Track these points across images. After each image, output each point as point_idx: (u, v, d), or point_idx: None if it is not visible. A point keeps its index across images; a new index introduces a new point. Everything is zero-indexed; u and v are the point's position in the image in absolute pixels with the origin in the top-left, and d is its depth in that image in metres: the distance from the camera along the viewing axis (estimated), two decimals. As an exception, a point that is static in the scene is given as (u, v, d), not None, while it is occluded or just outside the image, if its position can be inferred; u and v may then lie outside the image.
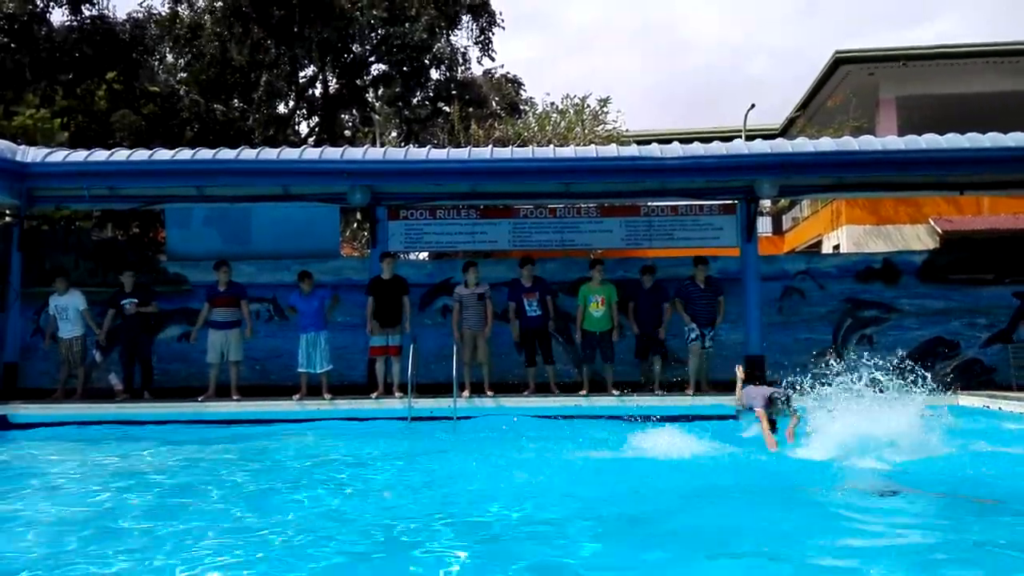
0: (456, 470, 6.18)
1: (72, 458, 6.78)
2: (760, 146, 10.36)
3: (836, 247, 18.08)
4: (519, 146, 14.28)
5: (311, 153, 10.38)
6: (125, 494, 5.25)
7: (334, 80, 21.74)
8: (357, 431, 8.34)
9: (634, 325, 9.90)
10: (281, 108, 21.33)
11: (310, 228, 11.29)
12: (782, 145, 10.52)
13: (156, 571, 3.60)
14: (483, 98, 21.46)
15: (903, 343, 10.06)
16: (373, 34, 20.55)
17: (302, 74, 21.24)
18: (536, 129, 19.52)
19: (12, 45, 17.39)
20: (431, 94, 21.67)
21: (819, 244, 19.68)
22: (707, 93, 64.23)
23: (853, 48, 18.69)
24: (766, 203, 19.42)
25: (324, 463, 6.58)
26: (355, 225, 20.69)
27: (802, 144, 10.41)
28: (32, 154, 10.24)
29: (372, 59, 21.36)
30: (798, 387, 6.41)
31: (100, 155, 10.26)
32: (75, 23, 18.29)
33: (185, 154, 10.25)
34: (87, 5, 18.44)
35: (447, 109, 20.42)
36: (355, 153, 10.49)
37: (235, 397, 9.43)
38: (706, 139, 11.83)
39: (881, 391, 5.97)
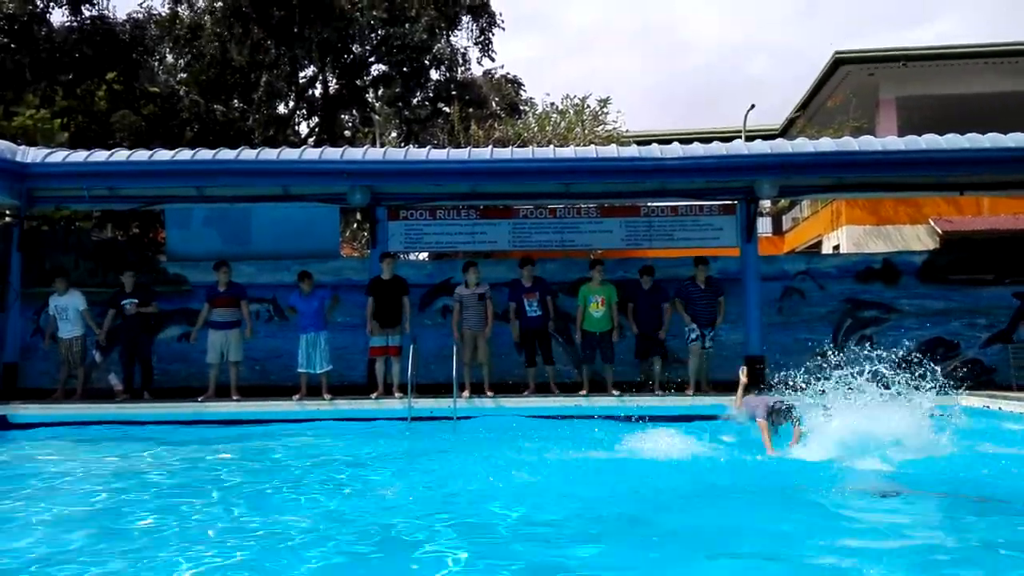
0: (456, 470, 6.18)
1: (72, 458, 6.78)
2: (760, 146, 10.37)
3: (836, 247, 18.08)
4: (519, 146, 14.29)
5: (311, 153, 10.38)
6: (125, 494, 5.25)
7: (334, 80, 21.75)
8: (357, 431, 8.33)
9: (633, 325, 9.90)
10: (281, 108, 21.35)
11: (310, 228, 11.29)
12: (782, 145, 10.52)
13: (156, 571, 3.60)
14: (483, 99, 21.47)
15: (902, 343, 10.06)
16: (373, 34, 20.56)
17: (302, 74, 21.25)
18: (536, 129, 19.53)
19: (12, 45, 17.40)
20: (431, 94, 21.68)
21: (819, 244, 19.68)
22: (707, 94, 64.26)
23: (853, 48, 18.70)
24: (766, 203, 19.42)
25: (324, 463, 6.58)
26: (355, 225, 20.69)
27: (802, 144, 10.41)
28: (32, 154, 10.24)
29: (372, 59, 21.37)
30: (798, 387, 6.40)
31: (100, 155, 10.26)
32: (75, 23, 18.30)
33: (185, 154, 10.25)
34: (87, 5, 18.46)
35: (447, 109, 20.43)
36: (355, 153, 10.49)
37: (235, 397, 9.43)
38: (706, 139, 11.83)
39: (885, 388, 5.96)
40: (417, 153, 10.43)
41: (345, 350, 10.43)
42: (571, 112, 19.84)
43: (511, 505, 4.78)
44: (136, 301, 9.75)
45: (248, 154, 10.23)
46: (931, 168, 10.17)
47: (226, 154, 10.21)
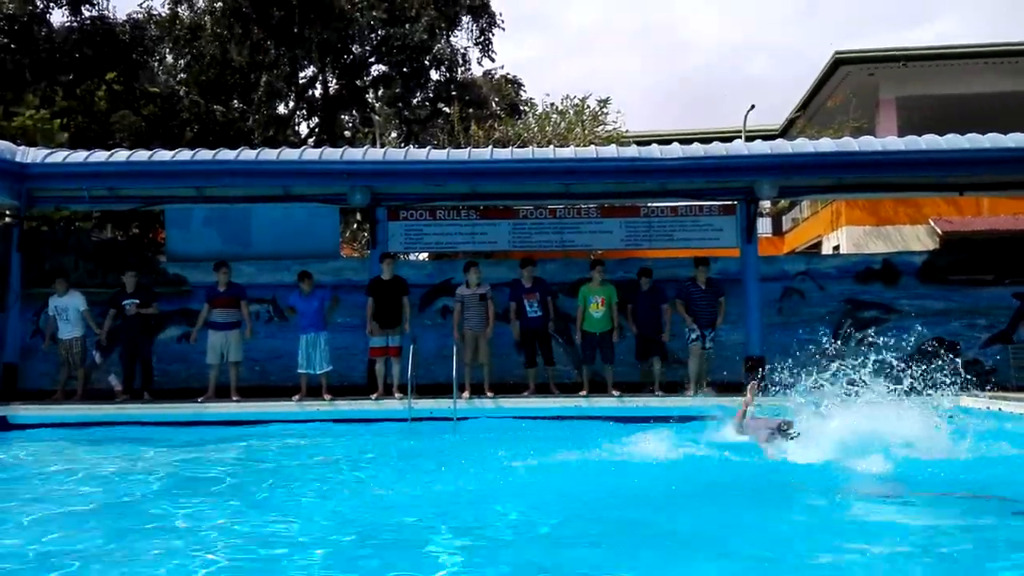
0: (456, 471, 6.18)
1: (72, 459, 6.78)
2: (760, 147, 10.38)
3: (836, 248, 18.08)
4: (519, 147, 14.29)
5: (311, 154, 10.39)
6: (124, 495, 5.25)
7: (334, 81, 21.76)
8: (357, 432, 8.33)
9: (633, 326, 9.90)
10: (281, 109, 21.35)
11: (310, 229, 11.29)
12: (782, 146, 10.53)
13: (155, 571, 3.60)
14: (483, 99, 21.47)
15: (902, 343, 10.05)
16: (373, 35, 20.56)
17: (302, 75, 21.25)
18: (536, 130, 19.52)
19: (12, 46, 17.40)
20: (431, 95, 21.68)
21: (819, 245, 19.68)
22: (707, 94, 64.28)
23: (853, 48, 18.71)
24: (766, 204, 19.42)
25: (324, 464, 6.58)
26: (355, 226, 20.69)
27: (802, 145, 10.41)
28: (32, 155, 10.24)
29: (372, 60, 21.38)
30: (798, 388, 6.39)
31: (100, 156, 10.27)
32: (75, 24, 18.30)
33: (185, 155, 10.26)
34: (87, 6, 18.47)
35: (447, 110, 20.43)
36: (355, 154, 10.50)
37: (235, 398, 9.43)
38: (706, 140, 11.84)
39: (891, 387, 5.95)
40: (417, 153, 10.43)
41: (345, 351, 10.43)
42: (571, 112, 19.83)
43: (511, 506, 4.78)
44: (137, 301, 9.75)
45: (248, 154, 10.24)
46: (931, 168, 10.18)
47: (226, 154, 10.21)
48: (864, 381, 6.08)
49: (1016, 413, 8.11)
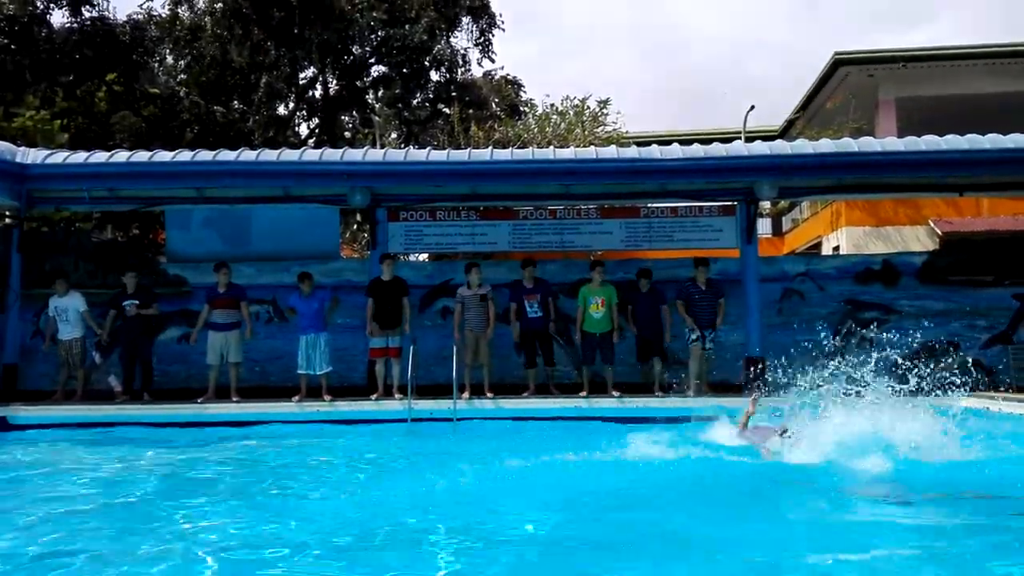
0: (455, 472, 6.18)
1: (72, 460, 6.78)
2: (760, 148, 10.38)
3: (836, 248, 18.08)
4: (519, 147, 14.29)
5: (311, 155, 10.39)
6: (124, 495, 5.25)
7: (334, 82, 21.76)
8: (357, 433, 8.33)
9: (633, 327, 9.90)
10: (281, 110, 21.36)
11: (310, 230, 11.29)
12: (781, 147, 10.54)
13: (155, 572, 3.60)
14: (483, 100, 21.47)
15: (902, 345, 10.05)
16: (373, 36, 20.57)
17: (302, 76, 21.26)
18: (536, 131, 19.53)
19: (12, 47, 17.41)
20: (431, 96, 21.68)
21: (819, 246, 19.68)
22: (707, 94, 64.26)
23: (852, 49, 18.73)
24: (766, 205, 19.43)
25: (323, 465, 6.58)
26: (355, 227, 20.69)
27: (801, 146, 10.42)
28: (32, 156, 10.24)
29: (372, 61, 21.38)
30: (798, 389, 6.39)
31: (100, 157, 10.26)
32: (75, 25, 18.32)
33: (185, 156, 10.26)
34: (87, 7, 18.49)
35: (447, 111, 20.44)
36: (355, 155, 10.49)
37: (235, 399, 9.43)
38: (706, 140, 11.84)
39: (896, 389, 5.94)
40: (417, 154, 10.43)
41: (345, 351, 10.43)
42: (571, 113, 19.84)
43: (511, 506, 4.78)
44: (137, 302, 9.75)
45: (248, 155, 10.24)
46: (931, 169, 10.18)
47: (226, 155, 10.21)
48: (864, 382, 6.08)
49: (1016, 414, 8.12)
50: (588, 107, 19.88)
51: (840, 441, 5.84)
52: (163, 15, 19.72)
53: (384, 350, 9.60)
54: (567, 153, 10.65)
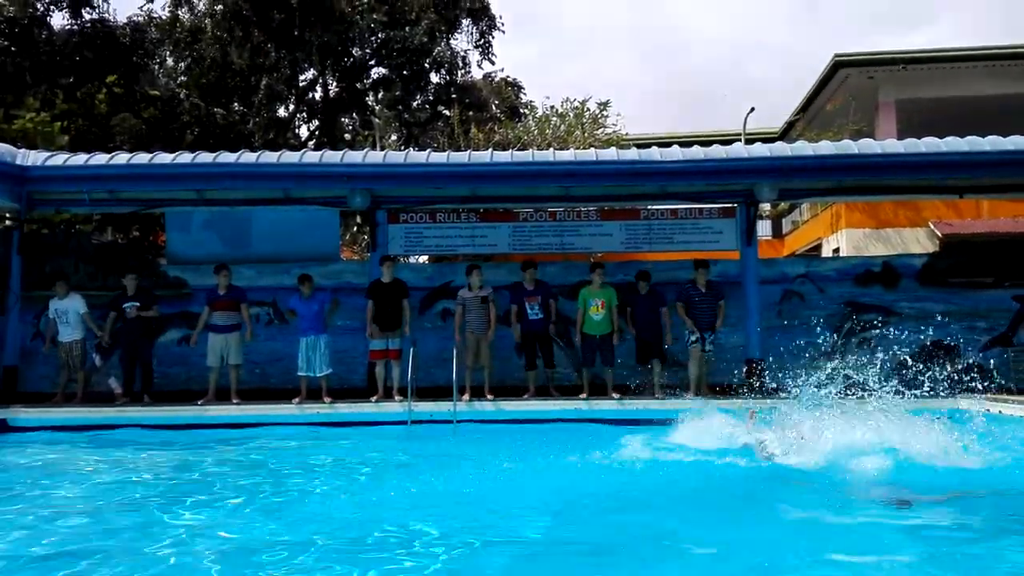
0: (455, 474, 6.18)
1: (72, 461, 6.78)
2: (760, 149, 10.38)
3: (836, 250, 18.09)
4: (519, 150, 14.30)
5: (311, 157, 10.39)
6: (124, 497, 5.25)
7: (334, 84, 21.78)
8: (357, 435, 8.33)
9: (632, 329, 9.90)
10: (281, 111, 21.37)
11: (310, 232, 11.30)
12: (782, 149, 10.54)
13: (155, 573, 3.60)
14: (483, 102, 21.49)
15: (902, 346, 10.06)
16: (373, 38, 20.59)
17: (302, 77, 21.27)
18: (536, 133, 19.54)
19: (12, 49, 17.43)
20: (431, 98, 21.70)
21: (819, 247, 19.69)
22: (707, 97, 64.31)
23: (852, 51, 18.74)
24: (766, 207, 19.44)
25: (323, 467, 6.58)
26: (355, 229, 20.70)
27: (802, 148, 10.43)
28: (32, 158, 10.25)
29: (372, 63, 21.40)
30: (798, 390, 6.39)
31: (100, 159, 10.27)
32: (75, 27, 18.33)
33: (185, 158, 10.26)
34: (87, 9, 18.50)
35: (447, 113, 20.45)
36: (355, 157, 10.50)
37: (235, 401, 9.43)
38: (706, 142, 11.85)
39: (896, 390, 5.94)
40: (417, 156, 10.44)
41: (345, 353, 10.44)
42: (571, 115, 19.86)
43: (510, 508, 4.78)
44: (138, 304, 9.75)
45: (248, 157, 10.24)
46: (931, 171, 10.18)
47: (226, 157, 10.21)
48: (864, 384, 6.08)
49: (1017, 416, 8.11)
50: (588, 109, 19.90)
51: (837, 443, 5.83)
52: (163, 17, 19.76)
53: (384, 352, 9.60)
54: (567, 155, 10.67)
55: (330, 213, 11.35)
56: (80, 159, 10.28)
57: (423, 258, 14.84)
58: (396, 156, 10.58)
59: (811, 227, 20.63)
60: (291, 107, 21.61)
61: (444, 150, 13.56)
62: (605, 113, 20.04)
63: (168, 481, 5.85)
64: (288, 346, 10.15)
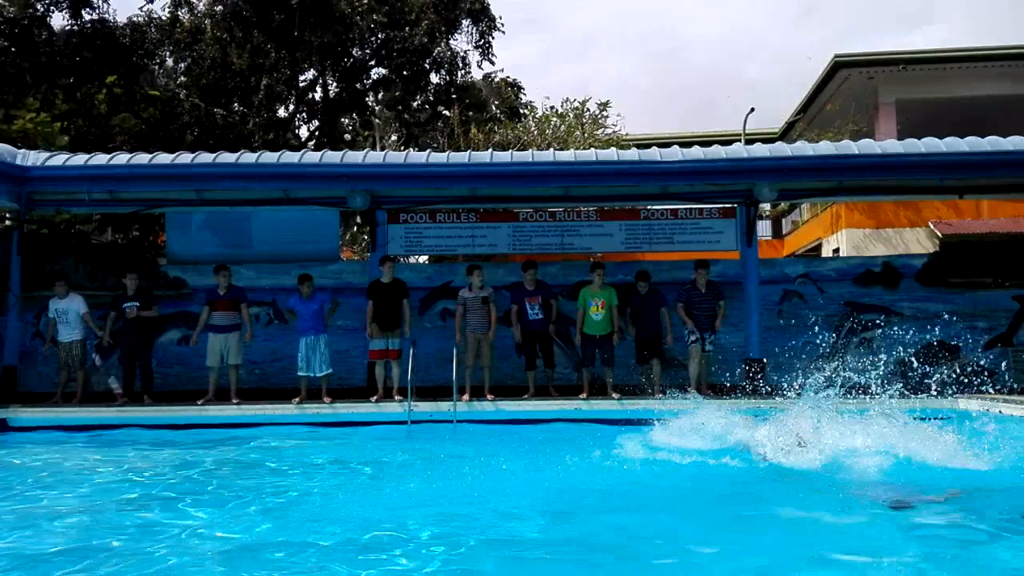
0: (455, 474, 6.18)
1: (71, 461, 6.78)
2: (759, 150, 10.38)
3: (836, 251, 18.09)
4: (519, 150, 14.30)
5: (311, 157, 10.39)
6: (124, 497, 5.25)
7: (334, 84, 21.78)
8: (356, 435, 8.33)
9: (632, 329, 9.90)
10: (281, 112, 21.37)
11: (310, 232, 11.30)
12: (781, 149, 10.54)
13: (154, 572, 3.60)
14: (483, 102, 21.49)
15: (902, 346, 10.06)
16: (373, 38, 20.59)
17: (302, 78, 21.28)
18: (536, 133, 19.54)
19: (12, 49, 17.43)
20: (431, 98, 21.70)
21: (819, 248, 19.69)
22: (707, 97, 64.31)
23: (852, 52, 18.76)
24: (766, 207, 19.44)
25: (323, 467, 6.57)
26: (355, 229, 20.70)
27: (801, 148, 10.42)
28: (32, 158, 10.25)
29: (372, 63, 21.40)
30: (798, 391, 6.39)
31: (100, 159, 10.27)
32: (75, 27, 18.33)
33: (185, 158, 10.26)
34: (87, 9, 18.50)
35: (447, 113, 20.45)
36: (355, 157, 10.50)
37: (235, 401, 9.43)
38: (706, 143, 11.85)
39: (897, 390, 5.93)
40: (417, 156, 10.44)
41: (345, 353, 10.44)
42: (571, 116, 19.86)
43: (511, 507, 4.78)
44: (138, 304, 9.75)
45: (248, 158, 10.24)
46: (930, 171, 10.18)
47: (226, 158, 10.21)
48: (864, 386, 6.08)
49: (1017, 415, 8.11)
50: (588, 110, 19.91)
51: (837, 444, 5.83)
52: (163, 18, 19.76)
53: (384, 352, 9.59)
54: (567, 155, 10.67)
55: (330, 213, 11.35)
56: (80, 159, 10.29)
57: (423, 258, 14.84)
58: (396, 156, 10.58)
59: (811, 227, 20.63)
60: (291, 107, 21.60)
61: (444, 150, 13.56)
62: (605, 113, 20.07)
63: (168, 481, 5.85)
64: (288, 346, 10.15)
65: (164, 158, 10.20)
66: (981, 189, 11.33)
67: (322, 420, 8.97)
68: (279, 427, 8.70)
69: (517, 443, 7.66)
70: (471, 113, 20.20)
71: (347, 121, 22.79)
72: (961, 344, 10.76)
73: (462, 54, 21.28)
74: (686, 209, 11.29)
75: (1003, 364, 10.68)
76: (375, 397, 9.45)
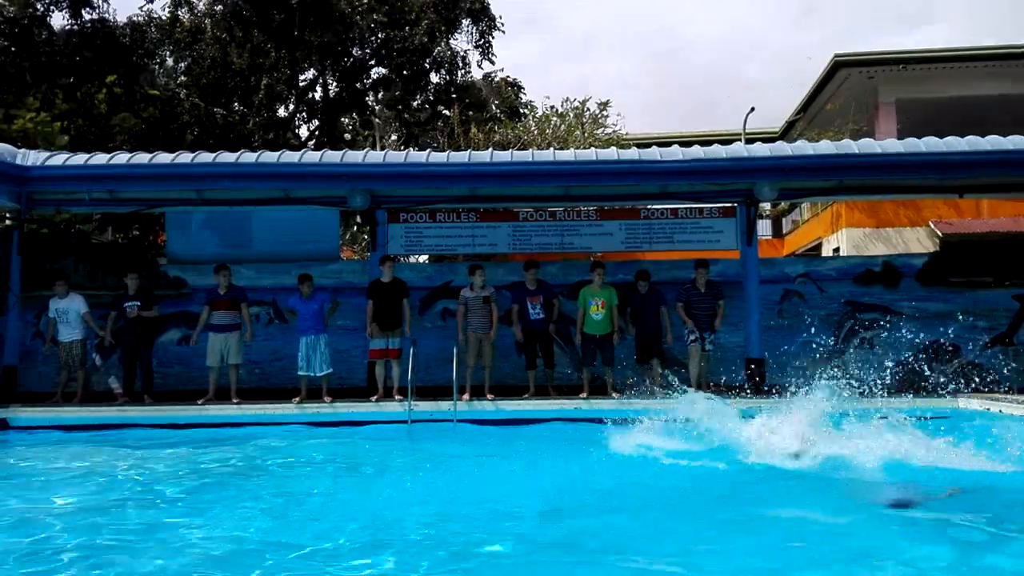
0: (455, 474, 6.18)
1: (71, 461, 6.77)
2: (760, 149, 10.38)
3: (836, 250, 18.09)
4: (519, 150, 14.29)
5: (311, 156, 10.39)
6: (124, 497, 5.25)
7: (334, 84, 21.77)
8: (357, 434, 8.33)
9: (632, 328, 9.89)
10: (281, 111, 21.36)
11: (310, 231, 11.30)
12: (782, 148, 10.53)
13: (153, 571, 3.60)
14: (483, 101, 21.48)
15: (903, 346, 10.06)
16: (373, 38, 20.58)
17: (302, 77, 21.27)
18: (536, 132, 19.54)
19: (12, 49, 17.43)
20: (431, 97, 21.69)
21: (819, 247, 19.69)
22: (707, 97, 64.31)
23: (852, 51, 18.75)
24: (766, 206, 19.44)
25: (323, 466, 6.58)
26: (355, 228, 20.69)
27: (802, 147, 10.42)
28: (32, 157, 10.25)
29: (372, 63, 21.39)
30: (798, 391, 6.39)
31: (100, 159, 10.27)
32: (75, 27, 18.33)
33: (185, 158, 10.26)
34: (87, 9, 18.50)
35: (447, 112, 20.44)
36: (355, 156, 10.49)
37: (235, 400, 9.43)
38: (706, 142, 11.84)
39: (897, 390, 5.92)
40: (417, 156, 10.43)
41: (345, 353, 10.44)
42: (571, 115, 19.86)
43: (511, 507, 4.78)
44: (138, 304, 9.75)
45: (248, 157, 10.24)
46: (931, 171, 10.18)
47: (226, 157, 10.21)
48: (864, 385, 6.08)
49: (1017, 415, 8.11)
50: (588, 109, 19.90)
51: (836, 444, 5.83)
52: (163, 17, 19.75)
53: (384, 352, 9.59)
54: (567, 155, 10.66)
55: (330, 213, 11.35)
56: (80, 159, 10.28)
57: (423, 258, 14.83)
58: (396, 156, 10.58)
59: (811, 227, 20.63)
60: (291, 107, 21.60)
61: (444, 150, 13.55)
62: (605, 113, 20.08)
63: (168, 481, 5.84)
64: (288, 346, 10.15)
65: (164, 158, 10.20)
66: (981, 188, 11.32)
67: (322, 420, 8.97)
68: (279, 427, 8.70)
69: (517, 442, 7.66)
70: (471, 113, 20.19)
71: (347, 121, 22.78)
72: (961, 344, 10.76)
73: (462, 54, 21.29)
74: (686, 208, 11.29)
75: (1003, 363, 10.68)
76: (375, 397, 9.45)
